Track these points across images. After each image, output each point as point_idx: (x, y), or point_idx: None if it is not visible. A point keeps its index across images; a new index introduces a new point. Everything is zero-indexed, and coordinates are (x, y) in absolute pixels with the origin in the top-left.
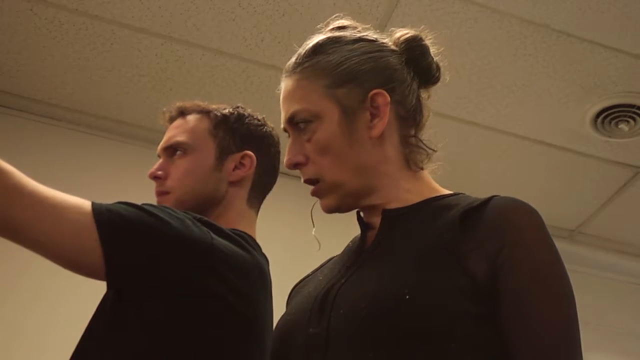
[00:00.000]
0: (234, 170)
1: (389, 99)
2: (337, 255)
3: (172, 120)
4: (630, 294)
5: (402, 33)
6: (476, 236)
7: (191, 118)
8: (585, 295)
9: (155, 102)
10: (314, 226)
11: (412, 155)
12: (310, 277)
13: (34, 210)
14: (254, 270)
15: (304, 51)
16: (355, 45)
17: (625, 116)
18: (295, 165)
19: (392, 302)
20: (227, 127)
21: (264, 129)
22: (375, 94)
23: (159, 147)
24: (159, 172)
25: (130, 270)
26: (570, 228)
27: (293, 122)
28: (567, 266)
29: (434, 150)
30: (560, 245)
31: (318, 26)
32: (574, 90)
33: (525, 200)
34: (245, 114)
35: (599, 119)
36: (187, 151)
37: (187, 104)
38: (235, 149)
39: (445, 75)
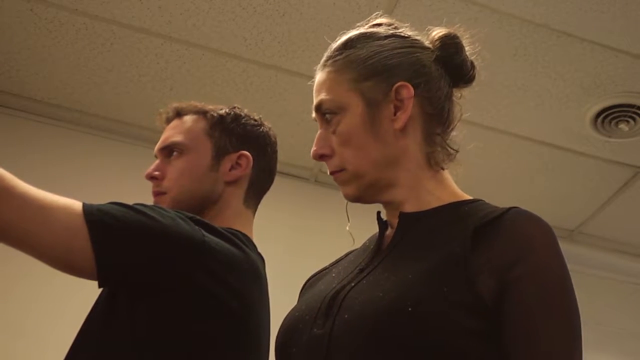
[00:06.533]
0: (230, 170)
1: (412, 91)
2: (355, 250)
3: (168, 121)
4: (630, 294)
5: (438, 31)
6: (486, 252)
7: (188, 118)
8: (585, 295)
9: (155, 102)
10: (349, 221)
11: (434, 154)
12: (326, 270)
13: (24, 211)
14: (246, 268)
15: (335, 45)
16: (386, 41)
17: (625, 116)
18: (320, 157)
19: (395, 313)
20: (223, 127)
21: (261, 129)
22: (400, 86)
23: (156, 147)
24: (156, 173)
25: (122, 270)
26: (570, 228)
27: (320, 111)
28: None
29: (455, 150)
30: (560, 246)
31: (358, 24)
32: (574, 90)
33: (525, 200)
34: (242, 114)
35: (599, 119)
36: (183, 151)
37: (184, 104)
38: (231, 149)
39: None
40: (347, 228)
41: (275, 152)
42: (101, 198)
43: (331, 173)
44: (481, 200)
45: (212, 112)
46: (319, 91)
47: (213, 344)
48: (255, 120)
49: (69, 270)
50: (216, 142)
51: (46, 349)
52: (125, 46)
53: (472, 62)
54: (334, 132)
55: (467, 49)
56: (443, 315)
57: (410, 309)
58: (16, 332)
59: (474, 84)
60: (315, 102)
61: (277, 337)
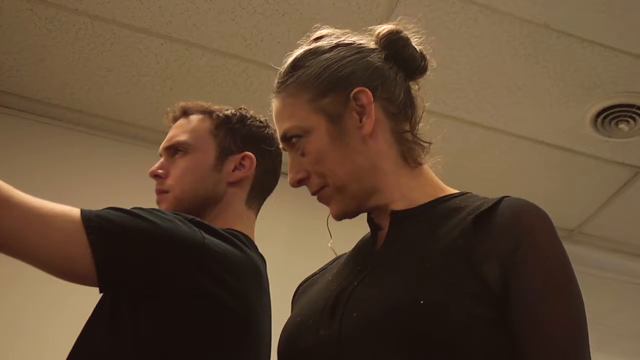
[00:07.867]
0: (233, 170)
1: (371, 94)
2: (344, 255)
3: (175, 119)
4: (630, 294)
5: (381, 29)
6: (488, 240)
7: (194, 118)
8: (585, 295)
9: (155, 102)
10: (331, 237)
11: (409, 151)
12: (317, 275)
13: (22, 221)
14: (247, 269)
15: (284, 69)
16: (332, 53)
17: (625, 116)
18: (299, 182)
19: (407, 308)
20: (228, 127)
21: (266, 131)
22: (357, 92)
23: (161, 146)
24: (160, 171)
25: (122, 274)
26: (570, 228)
27: (286, 139)
28: None
29: (429, 143)
30: None
31: (298, 41)
32: (574, 90)
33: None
34: (248, 115)
35: (599, 119)
36: (187, 150)
37: (191, 104)
38: (235, 149)
39: (445, 75)
40: (330, 244)
41: (280, 154)
42: (101, 198)
43: (314, 193)
44: (468, 192)
45: (218, 112)
46: (280, 120)
47: (213, 345)
48: (261, 122)
49: (70, 278)
50: (220, 142)
51: (44, 351)
52: (125, 46)
53: (421, 53)
54: (302, 155)
55: (414, 40)
56: (455, 306)
57: (422, 302)
58: (14, 334)
59: (474, 83)
60: (280, 133)
61: (279, 345)
